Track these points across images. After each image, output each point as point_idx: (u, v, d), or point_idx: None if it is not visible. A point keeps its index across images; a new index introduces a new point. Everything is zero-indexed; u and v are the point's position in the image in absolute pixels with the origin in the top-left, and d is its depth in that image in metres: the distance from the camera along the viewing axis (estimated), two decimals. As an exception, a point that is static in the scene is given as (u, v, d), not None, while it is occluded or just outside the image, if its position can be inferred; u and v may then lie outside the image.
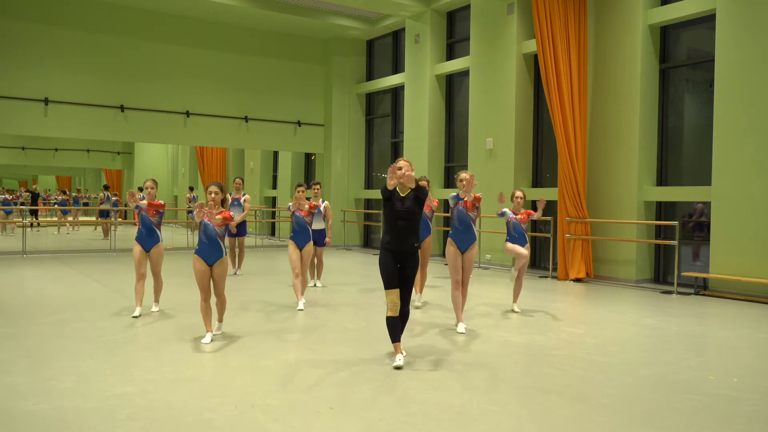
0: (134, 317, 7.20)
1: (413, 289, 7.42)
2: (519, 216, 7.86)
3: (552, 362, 5.58)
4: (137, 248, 7.41)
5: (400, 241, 5.33)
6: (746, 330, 7.12)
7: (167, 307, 7.78)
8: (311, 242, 8.35)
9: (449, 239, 6.84)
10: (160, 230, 7.49)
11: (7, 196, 23.44)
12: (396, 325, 5.33)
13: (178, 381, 4.85)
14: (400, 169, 5.26)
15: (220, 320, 6.46)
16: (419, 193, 5.34)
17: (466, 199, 6.78)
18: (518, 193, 7.93)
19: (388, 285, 5.32)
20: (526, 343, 6.34)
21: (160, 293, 7.68)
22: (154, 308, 7.60)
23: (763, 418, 4.21)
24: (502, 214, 7.85)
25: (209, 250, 6.16)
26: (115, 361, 5.39)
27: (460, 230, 6.79)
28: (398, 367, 5.19)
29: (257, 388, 4.67)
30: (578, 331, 6.95)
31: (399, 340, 5.37)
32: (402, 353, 5.35)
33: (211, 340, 6.11)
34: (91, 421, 3.96)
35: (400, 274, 5.35)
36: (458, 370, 5.28)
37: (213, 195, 6.18)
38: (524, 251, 7.80)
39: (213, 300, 6.51)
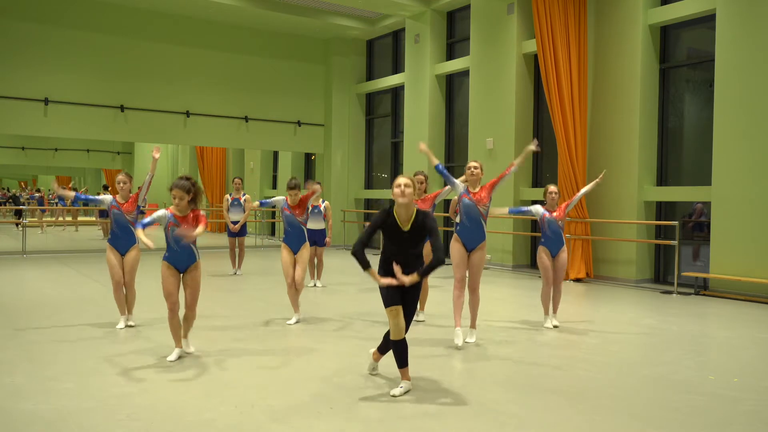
0: (120, 329, 6.59)
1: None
2: (555, 213, 6.97)
3: (552, 362, 5.58)
4: (111, 253, 6.55)
5: (402, 266, 4.54)
6: (746, 330, 7.12)
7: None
8: (306, 243, 7.15)
9: (455, 235, 6.23)
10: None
11: None
12: (403, 349, 4.59)
13: (178, 381, 4.85)
14: (398, 186, 4.48)
15: (186, 336, 5.58)
16: (425, 223, 4.55)
17: (474, 191, 6.19)
18: (552, 188, 6.98)
19: (388, 302, 4.56)
20: (526, 343, 6.34)
21: (133, 305, 6.79)
22: (130, 322, 6.74)
23: (763, 418, 4.21)
24: (527, 211, 6.98)
25: (179, 256, 5.39)
26: (115, 361, 5.38)
27: (468, 227, 6.16)
28: (394, 396, 4.49)
29: (257, 389, 4.67)
30: (578, 331, 6.95)
31: (406, 365, 4.62)
32: (409, 380, 4.63)
33: (179, 358, 5.43)
34: (91, 421, 3.96)
35: (402, 294, 4.61)
36: (458, 370, 5.28)
37: (177, 201, 5.24)
38: (550, 280, 6.98)
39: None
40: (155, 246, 5.11)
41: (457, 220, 6.46)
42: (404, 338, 4.62)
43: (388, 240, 4.60)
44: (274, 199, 7.17)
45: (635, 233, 10.87)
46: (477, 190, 6.25)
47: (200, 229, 5.27)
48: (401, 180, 4.52)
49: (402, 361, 4.62)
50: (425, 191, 7.02)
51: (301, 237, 7.13)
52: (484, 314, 7.72)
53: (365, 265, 4.43)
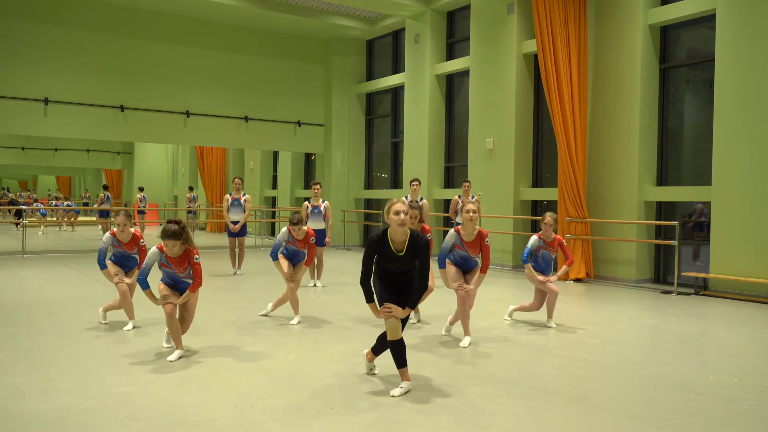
0: (128, 330, 6.59)
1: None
2: (550, 243, 7.03)
3: (552, 362, 5.58)
4: (114, 267, 6.69)
5: (395, 282, 4.73)
6: (746, 330, 7.12)
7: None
8: (302, 263, 7.32)
9: (447, 261, 6.21)
10: (137, 257, 6.79)
11: None
12: (401, 349, 4.61)
13: (178, 381, 4.85)
14: (397, 213, 4.52)
15: (180, 346, 5.55)
16: (419, 247, 4.60)
17: (467, 240, 6.14)
18: (548, 219, 6.97)
19: (383, 303, 4.65)
20: (526, 343, 6.34)
21: (132, 311, 6.76)
22: (129, 326, 6.64)
23: (762, 418, 4.21)
24: (530, 249, 7.01)
25: (177, 287, 5.61)
26: (115, 361, 5.38)
27: (461, 262, 6.26)
28: (394, 396, 4.48)
29: (257, 388, 4.67)
30: (578, 331, 6.95)
31: (405, 365, 4.64)
32: (408, 380, 4.63)
33: (179, 358, 5.43)
34: (91, 421, 3.96)
35: (397, 295, 4.72)
36: (458, 370, 5.28)
37: (170, 248, 5.31)
38: (555, 287, 6.98)
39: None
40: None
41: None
42: (401, 338, 4.64)
43: (381, 261, 4.69)
44: (278, 239, 7.27)
45: (635, 233, 10.87)
46: (471, 239, 6.15)
47: (185, 296, 5.56)
48: (399, 207, 4.56)
49: (401, 361, 4.65)
50: (421, 220, 6.95)
51: (301, 258, 7.30)
52: (484, 314, 7.72)
53: (369, 298, 4.69)
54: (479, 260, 6.27)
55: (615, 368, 5.40)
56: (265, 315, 7.51)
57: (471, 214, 6.10)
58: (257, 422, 3.99)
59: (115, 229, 6.67)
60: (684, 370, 5.37)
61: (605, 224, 11.25)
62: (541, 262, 7.08)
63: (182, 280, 5.60)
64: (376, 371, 5.09)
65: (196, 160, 25.35)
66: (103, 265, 6.69)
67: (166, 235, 5.31)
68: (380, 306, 4.70)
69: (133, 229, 6.76)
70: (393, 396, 4.50)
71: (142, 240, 6.76)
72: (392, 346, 4.65)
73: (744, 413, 4.29)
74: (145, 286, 5.54)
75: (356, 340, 6.35)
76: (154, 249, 5.51)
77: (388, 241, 4.62)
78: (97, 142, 28.26)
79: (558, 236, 7.16)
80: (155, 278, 5.65)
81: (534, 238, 7.08)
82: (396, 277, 4.75)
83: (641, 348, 6.36)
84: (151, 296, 5.59)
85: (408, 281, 4.77)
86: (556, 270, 7.32)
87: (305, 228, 7.18)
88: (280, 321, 7.23)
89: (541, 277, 6.99)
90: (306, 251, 7.26)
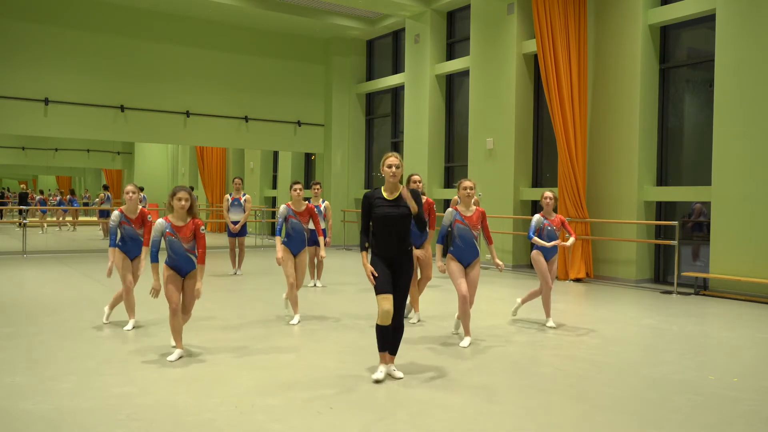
0: (128, 330, 6.58)
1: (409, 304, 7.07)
2: (552, 221, 7.04)
3: (552, 362, 5.58)
4: (119, 256, 6.58)
5: (391, 246, 4.87)
6: (746, 330, 7.12)
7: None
8: (306, 249, 7.29)
9: (449, 255, 6.19)
10: (142, 240, 6.65)
11: None
12: (386, 335, 4.84)
13: (178, 381, 4.85)
14: (389, 167, 4.87)
15: (180, 345, 5.58)
16: (413, 194, 4.90)
17: (467, 215, 6.13)
18: (547, 194, 7.01)
19: (379, 289, 4.78)
20: (526, 343, 6.34)
21: (133, 309, 6.74)
22: (129, 326, 6.64)
23: (762, 418, 4.21)
24: (534, 227, 7.02)
25: (180, 263, 5.53)
26: (115, 361, 5.39)
27: (462, 248, 6.13)
28: (378, 381, 4.78)
29: (257, 388, 4.67)
30: (578, 331, 6.95)
31: (386, 350, 4.91)
32: (388, 364, 4.92)
33: (179, 358, 5.45)
34: (91, 421, 3.96)
35: (393, 280, 4.86)
36: (458, 370, 5.28)
37: (183, 203, 5.41)
38: (550, 282, 7.01)
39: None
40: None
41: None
42: (388, 326, 4.82)
43: (375, 220, 4.89)
44: (279, 217, 7.17)
45: (635, 233, 10.87)
46: (470, 213, 6.15)
47: (200, 273, 5.57)
48: (393, 161, 4.93)
49: (381, 345, 4.89)
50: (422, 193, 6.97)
51: (302, 242, 7.22)
52: (484, 314, 7.72)
53: (362, 248, 4.98)
54: (477, 245, 6.23)
55: (615, 368, 5.40)
56: (289, 317, 7.36)
57: (469, 190, 6.09)
58: (257, 422, 3.99)
59: (123, 207, 6.68)
60: (684, 370, 5.37)
61: (605, 224, 11.25)
62: (546, 240, 7.05)
63: (186, 255, 5.49)
64: (399, 374, 4.98)
65: (196, 160, 25.34)
66: (113, 243, 6.61)
67: (177, 189, 5.46)
68: (378, 290, 4.82)
69: (140, 206, 6.77)
70: (377, 380, 4.79)
71: (149, 216, 6.74)
72: (378, 330, 4.85)
73: (744, 413, 4.29)
74: (154, 259, 5.56)
75: (356, 340, 6.35)
76: (159, 220, 5.52)
77: (381, 192, 4.95)
78: (97, 142, 28.22)
79: (560, 215, 7.20)
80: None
81: (537, 216, 7.07)
82: (390, 237, 4.85)
83: (641, 348, 6.36)
84: (156, 274, 5.57)
85: (401, 246, 4.89)
86: (557, 251, 7.26)
87: (306, 203, 7.27)
88: (280, 321, 7.23)
89: (552, 243, 6.98)
90: (308, 229, 7.29)
